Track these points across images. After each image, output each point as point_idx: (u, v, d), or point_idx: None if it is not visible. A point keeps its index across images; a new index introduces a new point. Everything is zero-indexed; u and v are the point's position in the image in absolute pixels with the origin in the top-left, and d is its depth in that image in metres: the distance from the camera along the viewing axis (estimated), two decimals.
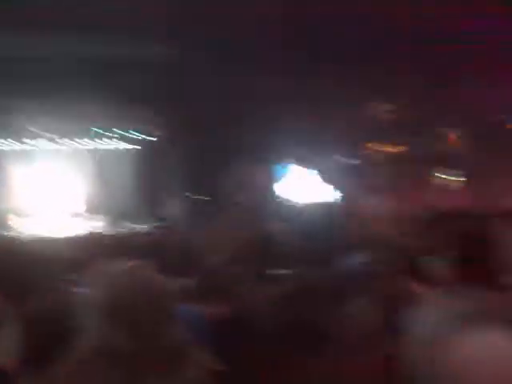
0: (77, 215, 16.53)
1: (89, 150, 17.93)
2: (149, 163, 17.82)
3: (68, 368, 1.42)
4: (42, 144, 17.26)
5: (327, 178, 16.67)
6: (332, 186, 16.60)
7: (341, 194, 15.87)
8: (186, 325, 1.55)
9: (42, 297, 1.76)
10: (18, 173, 17.09)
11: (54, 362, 1.54)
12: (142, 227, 14.45)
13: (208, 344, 1.96)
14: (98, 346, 1.42)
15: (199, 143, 15.63)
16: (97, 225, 15.37)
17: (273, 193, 16.93)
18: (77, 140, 17.61)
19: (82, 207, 17.04)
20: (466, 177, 16.37)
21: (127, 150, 18.37)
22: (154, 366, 1.36)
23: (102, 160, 17.95)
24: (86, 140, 17.74)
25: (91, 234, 10.50)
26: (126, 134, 17.94)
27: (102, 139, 17.82)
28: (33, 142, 17.13)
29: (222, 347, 1.71)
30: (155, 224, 15.20)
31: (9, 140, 16.94)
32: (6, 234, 13.98)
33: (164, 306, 1.44)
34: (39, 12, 13.06)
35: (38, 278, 2.01)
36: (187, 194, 16.83)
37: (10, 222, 15.33)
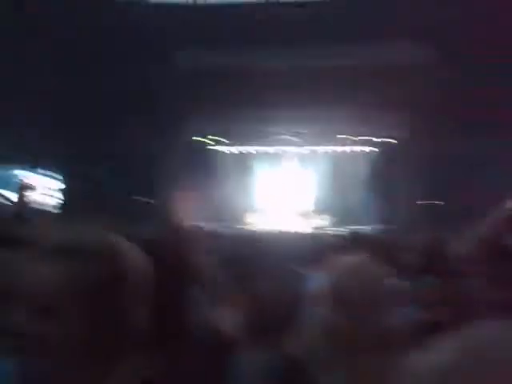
0: (305, 214, 17.33)
1: (325, 153, 18.75)
2: (382, 166, 17.78)
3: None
4: (286, 148, 18.68)
5: None
6: None
7: None
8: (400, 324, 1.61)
9: (272, 282, 1.92)
10: (260, 174, 18.79)
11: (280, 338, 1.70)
12: (365, 228, 14.52)
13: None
14: (323, 325, 1.55)
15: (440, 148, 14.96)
16: (322, 224, 15.95)
17: None
18: (318, 144, 18.61)
19: (310, 206, 17.77)
20: None
21: (362, 152, 18.64)
22: (371, 350, 1.45)
23: (336, 162, 18.62)
24: (325, 143, 18.61)
25: (316, 232, 10.94)
26: (365, 138, 18.24)
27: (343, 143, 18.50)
28: (278, 146, 18.66)
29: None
30: (379, 226, 15.15)
31: (258, 145, 18.75)
32: (243, 228, 15.48)
33: (385, 301, 1.52)
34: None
35: (269, 266, 2.20)
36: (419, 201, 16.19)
37: (247, 218, 16.83)
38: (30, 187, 6.70)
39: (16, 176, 14.29)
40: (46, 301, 0.91)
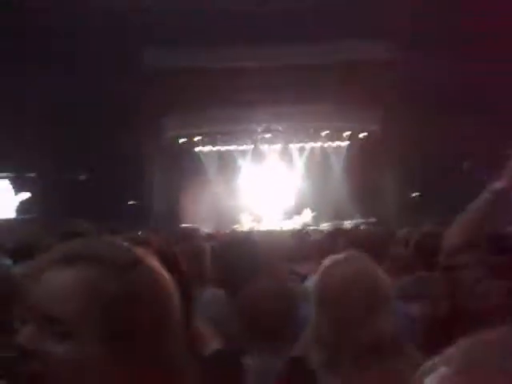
0: (287, 211, 17.39)
1: (304, 149, 18.84)
2: (358, 160, 17.94)
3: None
4: (265, 146, 18.71)
5: None
6: None
7: None
8: (398, 321, 1.52)
9: (264, 282, 1.92)
10: (248, 172, 18.79)
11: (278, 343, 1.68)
12: (348, 223, 14.69)
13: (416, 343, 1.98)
14: (311, 328, 1.50)
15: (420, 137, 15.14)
16: (305, 220, 15.99)
17: None
18: (296, 140, 18.69)
19: (291, 203, 17.84)
20: None
21: (337, 147, 18.79)
22: (356, 356, 1.33)
23: (312, 158, 18.73)
24: (306, 139, 18.70)
25: (302, 229, 10.98)
26: (343, 132, 18.39)
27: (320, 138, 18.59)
28: (258, 144, 18.69)
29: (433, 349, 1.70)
30: (360, 220, 15.30)
31: (246, 143, 18.75)
32: (235, 228, 15.46)
33: (377, 297, 1.40)
34: None
35: (261, 266, 2.24)
36: (415, 194, 16.27)
37: (239, 218, 16.78)
38: None
39: None
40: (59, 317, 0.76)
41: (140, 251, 0.85)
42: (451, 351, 0.52)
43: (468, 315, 1.71)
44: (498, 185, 1.74)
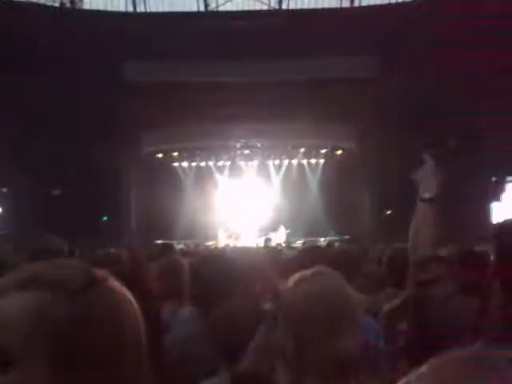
0: (263, 227, 17.40)
1: (278, 165, 18.95)
2: (334, 177, 18.10)
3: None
4: (243, 162, 18.78)
5: None
6: None
7: None
8: (367, 338, 1.55)
9: (238, 300, 1.92)
10: (225, 188, 18.78)
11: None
12: (322, 240, 14.77)
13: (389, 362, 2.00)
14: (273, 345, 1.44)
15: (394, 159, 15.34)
16: (279, 236, 16.00)
17: None
18: (274, 157, 18.79)
19: (267, 219, 17.88)
20: None
21: (314, 164, 18.95)
22: (320, 373, 1.32)
23: (289, 174, 18.84)
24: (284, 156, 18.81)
25: (276, 246, 10.98)
26: (320, 150, 18.56)
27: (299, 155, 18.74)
28: (236, 160, 18.75)
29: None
30: (334, 238, 15.42)
31: (223, 158, 18.77)
32: (211, 245, 15.40)
33: (343, 315, 1.37)
34: None
35: (236, 283, 2.23)
36: (388, 212, 16.41)
37: (216, 234, 16.71)
38: None
39: None
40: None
41: (98, 272, 0.80)
42: (422, 370, 0.50)
43: (439, 331, 1.73)
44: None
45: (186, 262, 3.14)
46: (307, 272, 1.49)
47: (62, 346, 0.72)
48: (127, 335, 0.78)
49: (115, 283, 0.81)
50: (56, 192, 16.31)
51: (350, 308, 1.41)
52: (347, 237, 15.85)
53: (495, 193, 15.51)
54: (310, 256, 2.89)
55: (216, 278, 2.34)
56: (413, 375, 0.51)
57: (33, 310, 0.73)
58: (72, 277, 0.77)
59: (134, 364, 0.78)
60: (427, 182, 1.95)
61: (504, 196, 16.74)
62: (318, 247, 3.62)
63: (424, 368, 0.51)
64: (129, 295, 0.81)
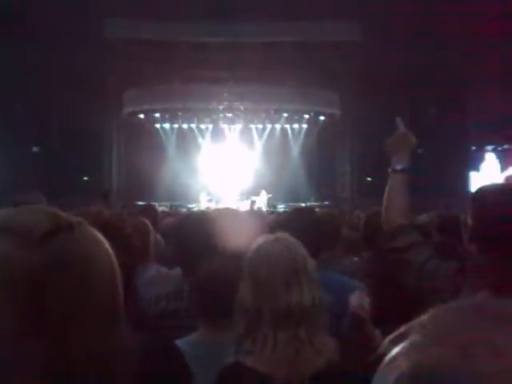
0: (245, 191, 17.37)
1: (260, 129, 18.83)
2: (316, 143, 18.10)
3: None
4: (226, 125, 18.61)
5: None
6: None
7: None
8: (328, 292, 1.68)
9: (219, 260, 1.95)
10: (207, 151, 18.65)
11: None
12: (303, 205, 14.81)
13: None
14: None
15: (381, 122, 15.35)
16: (260, 201, 16.02)
17: None
18: (256, 120, 18.65)
19: (249, 184, 17.85)
20: None
21: (297, 129, 18.88)
22: (272, 321, 1.53)
23: (272, 139, 18.75)
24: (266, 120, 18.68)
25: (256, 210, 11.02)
26: (302, 114, 18.45)
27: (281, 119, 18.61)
28: (219, 123, 18.57)
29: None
30: (315, 203, 15.51)
31: (205, 122, 18.56)
32: (194, 207, 15.41)
33: (299, 273, 1.60)
34: None
35: (217, 244, 2.24)
36: (369, 178, 16.50)
37: (197, 197, 16.70)
38: None
39: None
40: None
41: (68, 218, 0.78)
42: (423, 319, 0.49)
43: (415, 294, 1.78)
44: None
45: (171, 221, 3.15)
46: (270, 237, 1.71)
47: (28, 292, 0.71)
48: (97, 281, 0.76)
49: (87, 229, 0.79)
50: (36, 149, 16.10)
51: (300, 267, 1.63)
52: (327, 203, 15.98)
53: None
54: (296, 218, 2.91)
55: (196, 238, 2.35)
56: (413, 324, 0.50)
57: None
58: (37, 222, 0.75)
59: (107, 309, 0.77)
60: (399, 151, 1.95)
61: (483, 166, 17.00)
62: (306, 209, 3.64)
63: (424, 317, 0.50)
64: (103, 241, 0.80)
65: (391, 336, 0.51)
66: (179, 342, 1.70)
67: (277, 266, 1.60)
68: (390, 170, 1.92)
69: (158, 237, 3.35)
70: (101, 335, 0.75)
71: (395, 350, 0.49)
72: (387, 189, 1.92)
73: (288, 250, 1.65)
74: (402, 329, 0.51)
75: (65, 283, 0.72)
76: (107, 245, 0.80)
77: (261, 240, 1.69)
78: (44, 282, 0.71)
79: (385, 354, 0.49)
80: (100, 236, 0.80)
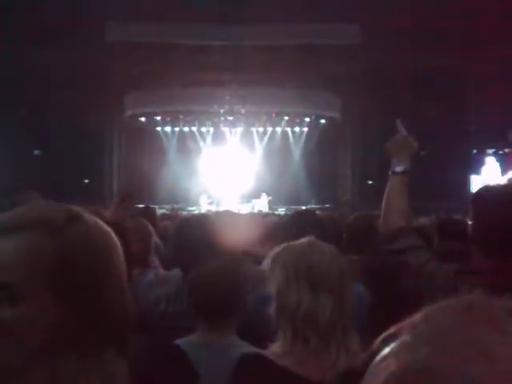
0: (245, 194, 17.37)
1: (261, 132, 18.83)
2: (317, 146, 18.08)
3: None
4: (227, 128, 18.61)
5: None
6: None
7: None
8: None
9: (215, 262, 1.95)
10: (208, 154, 18.65)
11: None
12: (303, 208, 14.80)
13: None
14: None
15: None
16: (261, 204, 16.01)
17: None
18: (257, 124, 18.65)
19: (250, 187, 17.83)
20: None
21: (298, 132, 18.88)
22: (293, 330, 1.52)
23: (273, 142, 18.75)
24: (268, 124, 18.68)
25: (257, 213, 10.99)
26: (303, 117, 18.45)
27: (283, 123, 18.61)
28: (219, 126, 18.58)
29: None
30: (316, 206, 15.50)
31: (206, 125, 18.57)
32: (195, 210, 15.39)
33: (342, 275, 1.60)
34: None
35: (216, 246, 2.25)
36: (370, 182, 16.45)
37: (197, 200, 16.70)
38: None
39: None
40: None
41: (75, 208, 0.88)
42: (415, 318, 0.49)
43: (415, 296, 1.78)
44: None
45: (169, 224, 3.14)
46: (303, 241, 1.67)
47: (58, 276, 0.80)
48: (113, 261, 0.87)
49: (88, 216, 0.89)
50: (37, 152, 16.11)
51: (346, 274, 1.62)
52: (328, 205, 15.96)
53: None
54: (299, 220, 2.91)
55: (195, 240, 2.35)
56: (405, 324, 0.50)
57: (26, 249, 0.80)
58: (54, 214, 0.84)
59: (119, 288, 0.87)
60: (399, 153, 1.95)
61: (483, 169, 16.99)
62: (309, 211, 3.64)
63: (415, 317, 0.50)
64: (102, 224, 0.89)
65: (382, 336, 0.51)
66: (178, 343, 1.70)
67: (328, 273, 1.58)
68: (389, 172, 1.92)
69: (157, 239, 3.34)
70: (122, 298, 0.87)
71: (385, 350, 0.48)
72: (387, 191, 1.92)
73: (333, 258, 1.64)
74: (393, 329, 0.50)
75: (90, 259, 0.83)
76: (106, 227, 0.90)
77: (303, 246, 1.65)
78: (74, 262, 0.82)
79: (376, 354, 0.49)
80: (99, 221, 0.90)
